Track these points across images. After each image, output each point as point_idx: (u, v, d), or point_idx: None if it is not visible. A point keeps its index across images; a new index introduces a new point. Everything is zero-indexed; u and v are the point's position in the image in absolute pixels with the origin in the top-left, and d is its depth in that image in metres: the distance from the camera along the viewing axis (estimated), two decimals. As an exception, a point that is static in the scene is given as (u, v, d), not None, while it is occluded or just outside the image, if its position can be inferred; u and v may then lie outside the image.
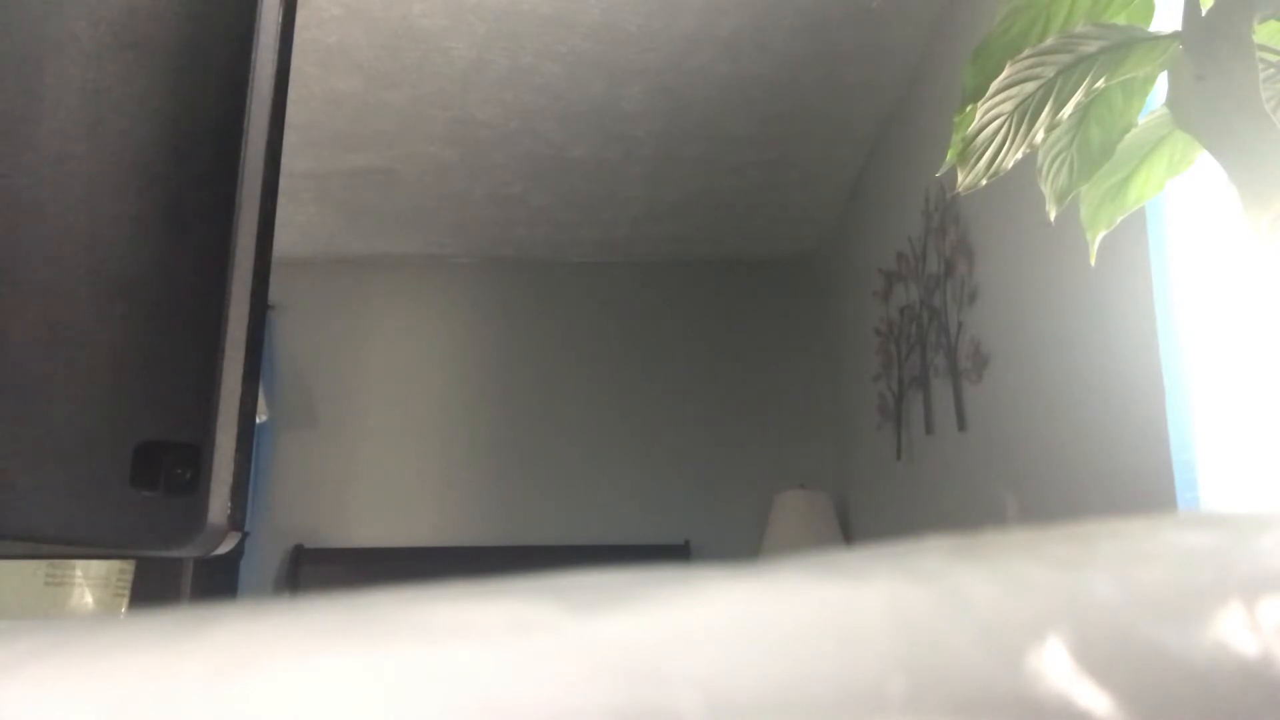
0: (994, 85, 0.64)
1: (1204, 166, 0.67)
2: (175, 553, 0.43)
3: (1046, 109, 0.63)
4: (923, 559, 0.19)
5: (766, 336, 3.59)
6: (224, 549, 0.44)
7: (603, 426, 3.50)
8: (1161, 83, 0.63)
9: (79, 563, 1.18)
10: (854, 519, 3.20)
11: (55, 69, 0.45)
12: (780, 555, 0.19)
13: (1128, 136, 0.67)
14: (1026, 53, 0.63)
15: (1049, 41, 0.63)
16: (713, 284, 3.64)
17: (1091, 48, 0.62)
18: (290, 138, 2.66)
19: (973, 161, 0.66)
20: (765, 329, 3.60)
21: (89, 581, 1.18)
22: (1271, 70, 0.57)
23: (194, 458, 0.42)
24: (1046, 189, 0.69)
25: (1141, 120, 0.67)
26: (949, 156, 0.70)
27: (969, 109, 0.67)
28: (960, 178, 0.67)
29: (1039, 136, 0.64)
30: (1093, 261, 0.75)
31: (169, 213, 0.45)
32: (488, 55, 2.33)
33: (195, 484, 0.42)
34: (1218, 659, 0.17)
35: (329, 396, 3.51)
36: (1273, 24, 0.59)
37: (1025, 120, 0.64)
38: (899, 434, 2.52)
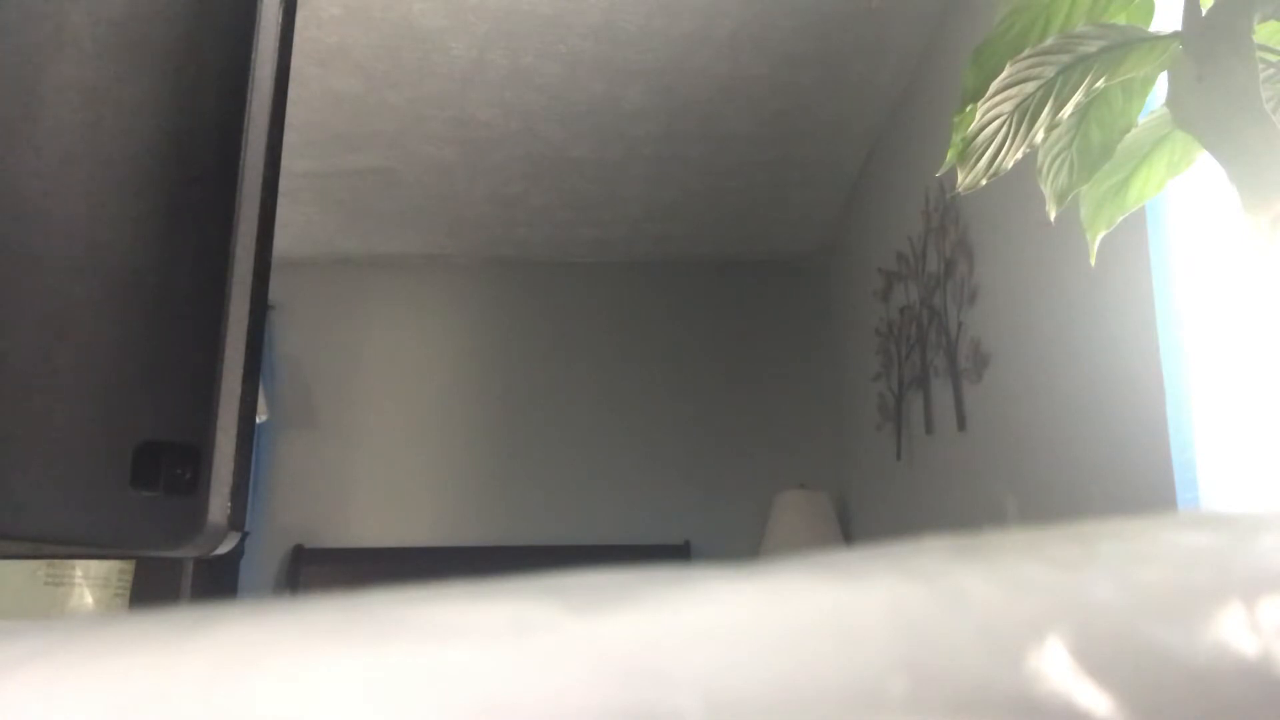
0: (994, 85, 0.64)
1: (1204, 166, 0.67)
2: (175, 553, 0.43)
3: (1046, 109, 0.63)
4: (923, 559, 0.19)
5: (767, 336, 3.59)
6: (224, 549, 0.44)
7: (603, 426, 3.50)
8: (1161, 83, 0.63)
9: (79, 563, 1.18)
10: (854, 519, 3.20)
11: (55, 69, 0.45)
12: (780, 555, 0.19)
13: (1128, 136, 0.67)
14: (1026, 53, 0.63)
15: (1049, 41, 0.63)
16: (713, 284, 3.64)
17: (1091, 48, 0.62)
18: (290, 138, 2.66)
19: (973, 161, 0.66)
20: (765, 329, 3.60)
21: (89, 581, 1.18)
22: (1271, 70, 0.57)
23: (194, 458, 0.42)
24: (1046, 189, 0.69)
25: (1141, 120, 0.67)
26: (949, 156, 0.70)
27: (969, 109, 0.67)
28: (960, 178, 0.67)
29: (1039, 136, 0.64)
30: (1093, 261, 0.75)
31: (169, 213, 0.45)
32: (488, 55, 2.33)
33: (195, 484, 0.42)
34: (1218, 659, 0.17)
35: (329, 396, 3.51)
36: (1273, 24, 0.59)
37: (1025, 120, 0.64)
38: (899, 434, 2.52)
